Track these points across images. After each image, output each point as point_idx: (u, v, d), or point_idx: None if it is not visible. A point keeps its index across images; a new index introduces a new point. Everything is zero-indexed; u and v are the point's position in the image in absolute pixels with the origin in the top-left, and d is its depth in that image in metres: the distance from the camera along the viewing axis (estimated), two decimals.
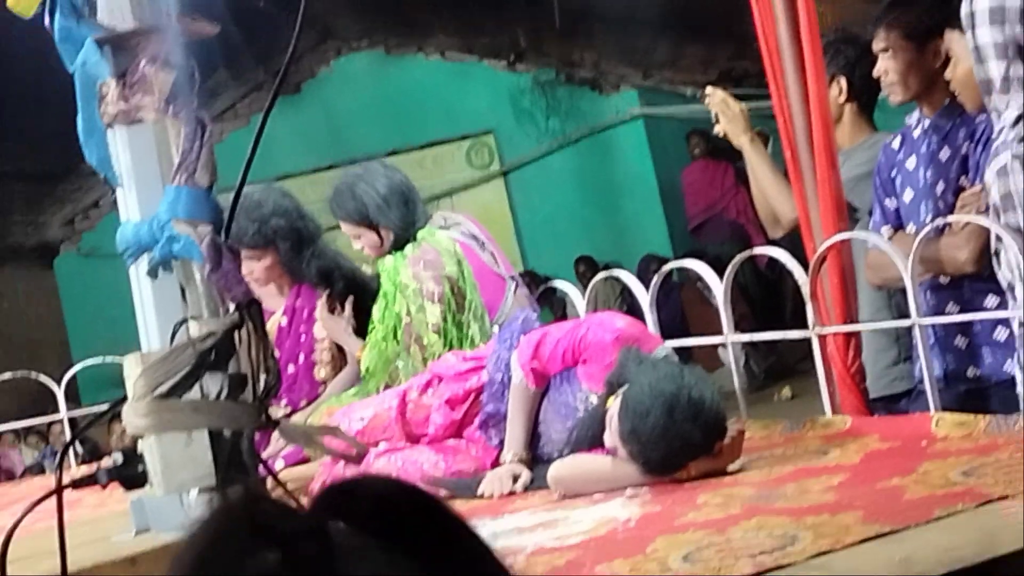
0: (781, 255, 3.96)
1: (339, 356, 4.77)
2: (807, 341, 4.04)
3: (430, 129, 13.43)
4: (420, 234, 4.50)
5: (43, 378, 6.19)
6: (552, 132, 13.76)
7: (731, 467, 3.45)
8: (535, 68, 13.91)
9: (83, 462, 6.80)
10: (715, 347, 8.05)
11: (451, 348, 4.39)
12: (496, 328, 4.38)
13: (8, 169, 15.81)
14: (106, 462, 1.88)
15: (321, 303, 4.73)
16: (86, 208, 14.68)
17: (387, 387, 4.36)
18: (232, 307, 1.77)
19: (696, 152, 13.12)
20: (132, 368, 1.81)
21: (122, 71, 1.79)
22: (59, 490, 1.73)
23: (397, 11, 13.37)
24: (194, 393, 1.77)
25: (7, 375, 6.22)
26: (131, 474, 1.83)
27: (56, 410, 6.13)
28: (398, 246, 4.50)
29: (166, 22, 1.81)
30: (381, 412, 4.08)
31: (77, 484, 1.81)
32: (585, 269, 12.08)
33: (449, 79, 13.97)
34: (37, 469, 10.11)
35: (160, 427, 1.76)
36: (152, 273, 1.84)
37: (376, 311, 4.46)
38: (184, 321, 1.82)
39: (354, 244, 4.69)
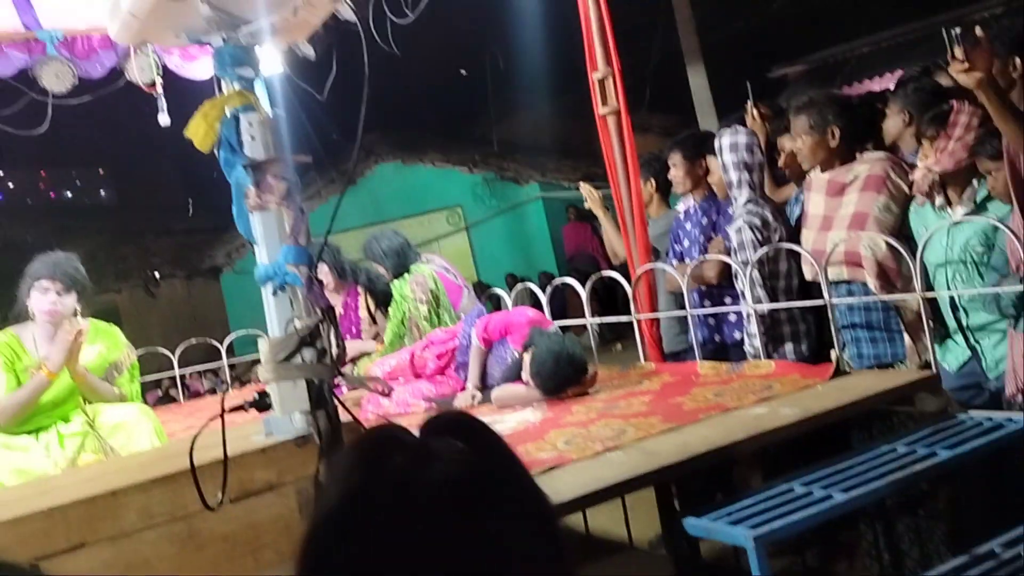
0: (617, 275, 3.95)
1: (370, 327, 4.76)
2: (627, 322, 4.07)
3: (427, 203, 13.38)
4: (413, 267, 4.47)
5: (214, 341, 6.09)
6: (493, 206, 13.74)
7: (591, 391, 3.44)
8: (484, 171, 13.88)
9: (239, 388, 6.65)
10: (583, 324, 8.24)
11: (432, 327, 4.36)
12: (461, 316, 4.35)
13: (197, 226, 15.65)
14: (248, 397, 1.83)
15: (361, 302, 4.75)
16: (237, 247, 14.50)
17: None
18: (318, 311, 1.74)
19: (571, 217, 13.12)
20: (263, 345, 1.78)
21: (258, 182, 1.76)
22: (222, 413, 1.69)
23: (408, 139, 13.29)
24: (297, 359, 1.74)
25: (194, 340, 6.11)
26: (263, 404, 1.79)
27: (220, 359, 6.03)
28: (399, 274, 4.49)
29: (282, 155, 1.77)
30: (400, 362, 4.04)
31: (233, 409, 1.77)
32: (511, 281, 12.04)
33: (438, 177, 13.92)
34: (211, 392, 9.91)
35: (279, 378, 1.73)
36: (275, 293, 1.79)
37: (391, 309, 4.44)
38: (291, 320, 1.78)
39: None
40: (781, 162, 3.71)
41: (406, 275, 4.45)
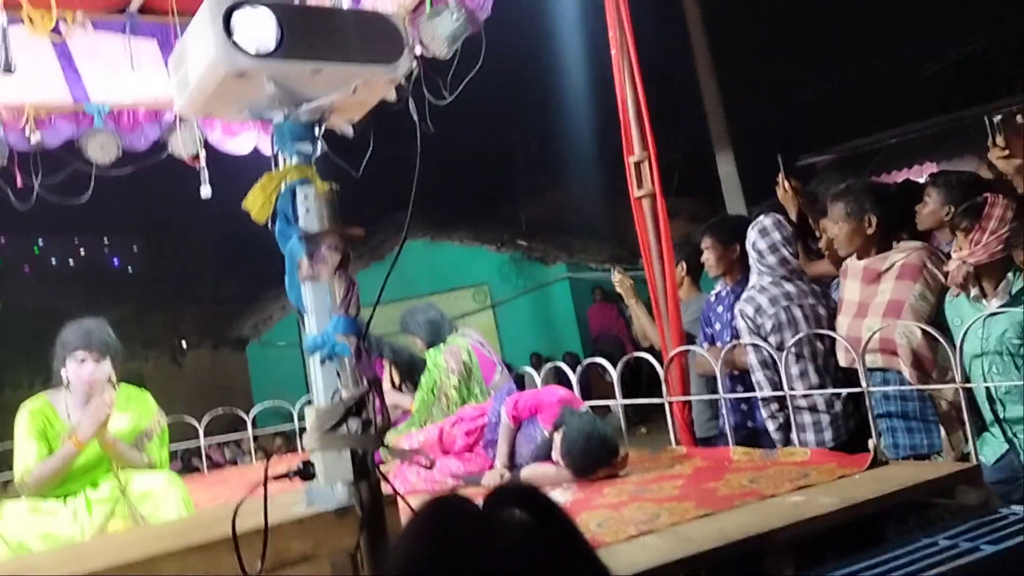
0: (649, 357, 3.95)
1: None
2: (654, 404, 4.05)
3: (454, 280, 13.48)
4: (448, 338, 4.51)
5: (240, 412, 6.10)
6: (519, 286, 13.82)
7: (621, 473, 3.41)
8: (511, 251, 14.01)
9: (261, 459, 6.63)
10: (605, 405, 8.15)
11: (464, 401, 4.36)
12: (492, 391, 4.36)
13: (225, 296, 15.88)
14: (292, 467, 1.84)
15: (385, 374, 4.81)
16: (264, 319, 14.64)
17: (426, 424, 4.32)
18: (365, 382, 1.76)
19: (597, 298, 13.17)
20: (309, 414, 1.79)
21: (311, 253, 1.80)
22: (266, 480, 1.70)
23: (438, 218, 13.50)
24: (343, 429, 1.75)
25: (220, 410, 6.12)
26: (307, 472, 1.80)
27: (244, 430, 6.05)
28: (434, 344, 4.52)
29: (334, 227, 1.82)
30: (428, 437, 4.04)
31: (278, 477, 1.78)
32: (536, 360, 12.03)
33: (465, 255, 14.07)
34: (232, 463, 9.86)
35: (324, 447, 1.74)
36: (323, 362, 1.82)
37: (423, 378, 4.47)
38: (338, 390, 1.80)
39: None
40: (822, 243, 3.74)
41: (441, 345, 4.49)
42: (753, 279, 3.65)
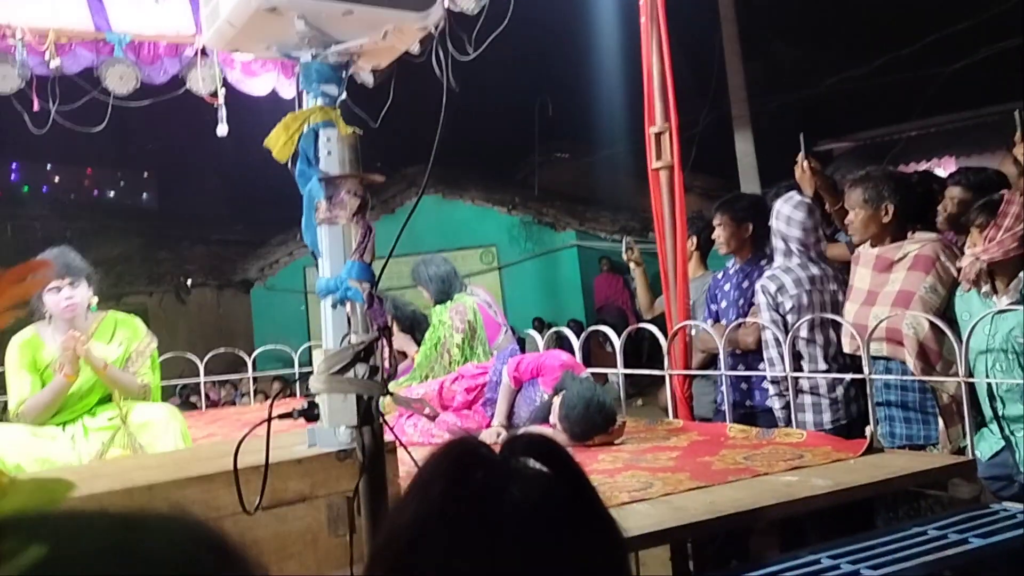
0: (654, 328, 3.95)
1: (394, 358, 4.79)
2: (653, 376, 4.06)
3: (462, 240, 13.45)
4: (456, 296, 4.50)
5: (241, 353, 6.12)
6: (528, 249, 13.81)
7: (617, 442, 3.43)
8: (522, 214, 13.97)
9: (260, 400, 6.68)
10: (603, 374, 8.20)
11: (466, 360, 4.37)
12: (494, 352, 4.37)
13: (234, 238, 15.87)
14: (297, 405, 1.85)
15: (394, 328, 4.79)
16: (271, 263, 14.66)
17: (427, 379, 4.34)
18: (375, 328, 1.77)
19: (604, 268, 13.15)
20: (318, 356, 1.80)
21: (330, 196, 1.80)
22: (270, 417, 1.71)
23: (450, 174, 13.45)
24: (350, 374, 1.76)
25: (223, 349, 6.15)
26: (311, 414, 1.81)
27: (243, 371, 6.08)
28: (441, 301, 4.51)
29: (355, 172, 1.81)
30: (428, 391, 4.05)
31: (282, 416, 1.79)
32: (539, 325, 12.05)
33: (476, 215, 14.04)
34: (230, 403, 9.94)
35: (331, 390, 1.75)
36: (334, 306, 1.82)
37: (428, 334, 4.47)
38: (348, 334, 1.81)
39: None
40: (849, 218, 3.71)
41: (448, 302, 4.48)
42: (779, 259, 3.62)
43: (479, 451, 0.82)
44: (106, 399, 3.52)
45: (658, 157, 3.97)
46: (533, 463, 0.81)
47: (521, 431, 3.56)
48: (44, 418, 3.37)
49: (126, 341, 3.58)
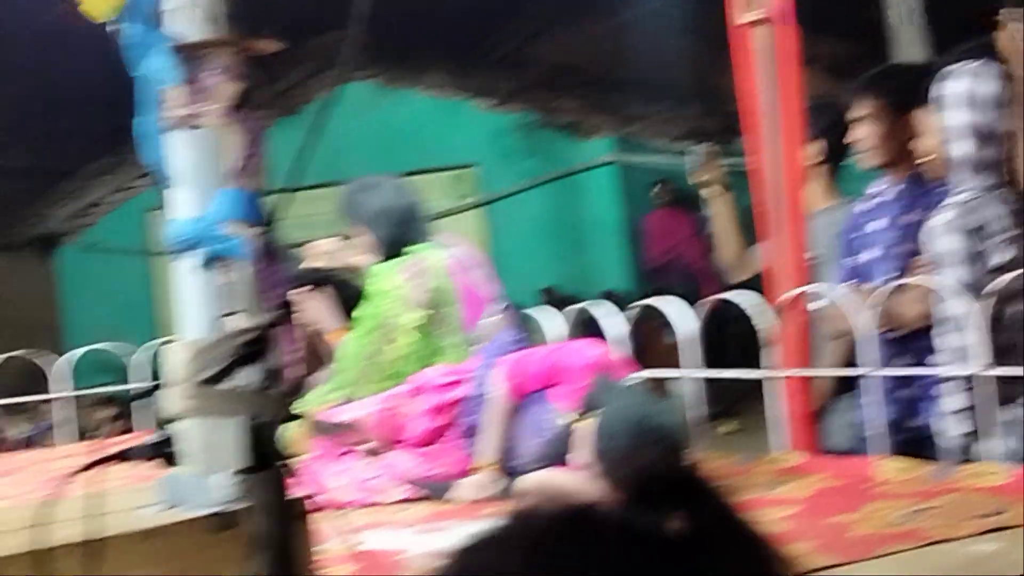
0: (749, 301, 3.96)
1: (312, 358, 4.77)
2: (746, 381, 4.09)
3: (418, 158, 13.42)
4: (412, 248, 4.52)
5: (41, 359, 6.14)
6: (530, 171, 13.80)
7: None
8: (518, 110, 13.95)
9: (78, 440, 6.73)
10: (663, 379, 8.21)
11: (427, 357, 4.39)
12: (475, 343, 4.39)
13: (15, 165, 15.81)
14: (140, 441, 1.87)
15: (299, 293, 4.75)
16: (88, 206, 14.64)
17: (358, 389, 4.37)
18: (270, 305, 1.78)
19: (661, 199, 13.16)
20: (176, 353, 1.81)
21: (190, 78, 1.80)
22: (96, 463, 1.72)
23: (397, 47, 13.40)
24: (231, 382, 1.78)
25: (10, 354, 6.17)
26: (166, 454, 1.83)
27: (46, 390, 6.10)
28: (390, 255, 4.52)
29: (231, 34, 1.82)
30: (363, 417, 4.07)
31: (114, 458, 1.80)
32: (551, 298, 12.07)
33: (439, 114, 14.00)
34: (26, 442, 9.98)
35: (199, 411, 1.76)
36: (203, 266, 1.84)
37: (359, 311, 4.48)
38: (225, 315, 1.82)
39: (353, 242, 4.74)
40: None
41: (399, 259, 4.48)
42: (964, 176, 3.58)
43: (607, 522, 0.85)
44: None
45: (749, 5, 3.97)
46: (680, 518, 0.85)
47: (540, 478, 3.58)
48: None
49: None
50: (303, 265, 4.74)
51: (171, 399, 1.78)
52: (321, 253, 4.74)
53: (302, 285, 4.73)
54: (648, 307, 4.52)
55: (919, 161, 3.95)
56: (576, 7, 15.46)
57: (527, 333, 4.71)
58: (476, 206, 13.95)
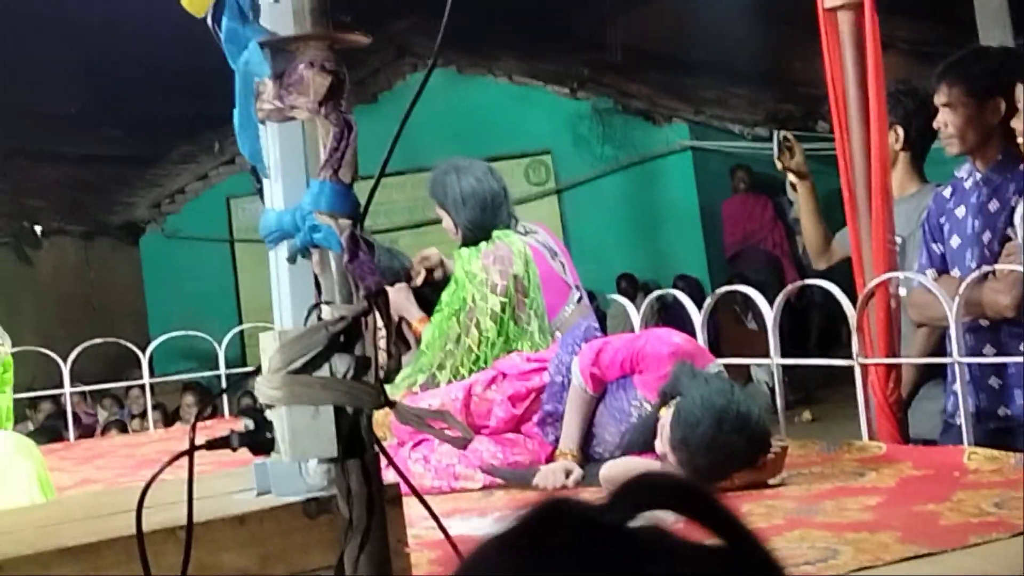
0: (833, 288, 3.94)
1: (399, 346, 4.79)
2: (826, 369, 4.06)
3: (493, 145, 13.42)
4: (496, 233, 4.52)
5: (129, 346, 6.20)
6: (605, 157, 13.77)
7: (772, 481, 3.44)
8: (594, 97, 13.92)
9: (162, 426, 6.82)
10: (745, 366, 8.24)
11: (505, 339, 4.39)
12: (557, 332, 4.40)
13: (104, 152, 15.98)
14: (234, 427, 1.88)
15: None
16: (172, 193, 14.81)
17: (438, 376, 4.38)
18: (362, 295, 1.79)
19: (739, 186, 13.10)
20: (268, 343, 1.82)
21: (280, 72, 1.81)
22: (191, 450, 1.74)
23: (470, 34, 13.41)
24: (323, 371, 1.79)
25: (98, 340, 6.23)
26: (260, 441, 1.85)
27: (132, 376, 6.16)
28: (474, 241, 4.53)
29: (324, 30, 1.82)
30: (447, 402, 4.09)
31: (211, 444, 1.82)
32: (626, 286, 12.07)
33: (513, 101, 14.02)
34: (118, 427, 10.10)
35: (291, 399, 1.77)
36: (291, 259, 1.85)
37: (445, 294, 4.49)
38: (317, 305, 1.83)
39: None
40: None
41: (483, 244, 4.49)
42: None
43: (575, 514, 0.83)
44: None
45: None
46: (667, 527, 0.83)
47: (624, 465, 3.58)
48: None
49: None
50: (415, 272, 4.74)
51: (263, 387, 1.80)
52: (435, 263, 4.73)
53: (392, 276, 4.76)
54: (728, 293, 4.49)
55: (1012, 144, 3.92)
56: None
57: (604, 320, 4.70)
58: (551, 193, 13.95)
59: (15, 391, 4.87)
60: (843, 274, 4.33)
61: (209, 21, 1.89)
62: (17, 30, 19.22)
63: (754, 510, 3.12)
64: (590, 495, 3.53)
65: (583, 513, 0.84)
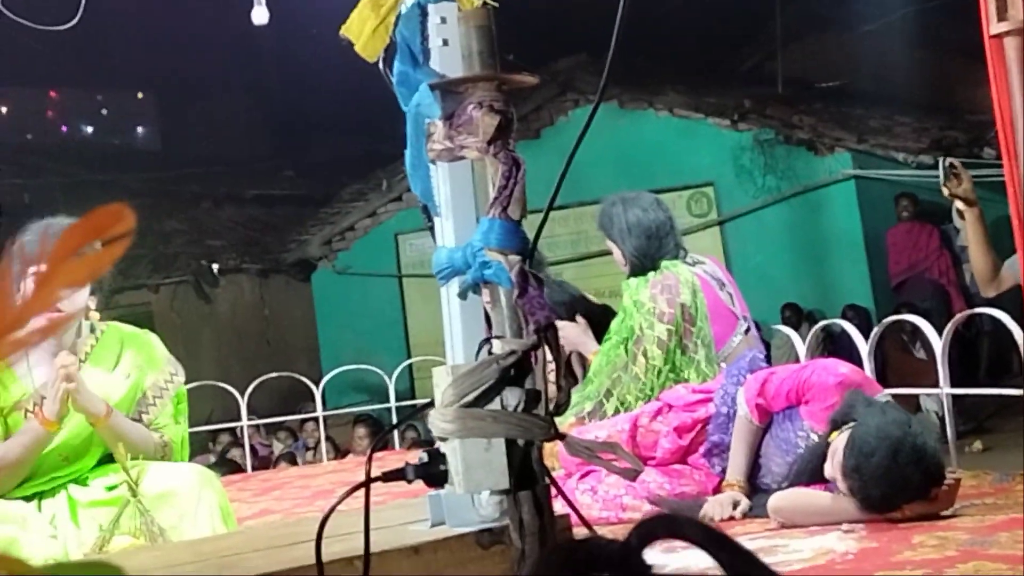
0: (1003, 316, 3.85)
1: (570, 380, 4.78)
2: (997, 398, 3.96)
3: (655, 177, 13.36)
4: (664, 263, 4.53)
5: (303, 379, 6.32)
6: (768, 188, 13.62)
7: (944, 512, 3.37)
8: (756, 128, 13.79)
9: (333, 458, 6.92)
10: (914, 396, 8.08)
11: (672, 367, 4.39)
12: (722, 361, 4.37)
13: (280, 193, 16.38)
14: (409, 462, 1.91)
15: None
16: (343, 231, 15.03)
17: (605, 405, 4.38)
18: (532, 329, 1.80)
19: (904, 214, 12.84)
20: (441, 378, 1.84)
21: (450, 113, 1.83)
22: (368, 482, 1.77)
23: (631, 69, 13.42)
24: (495, 404, 1.80)
25: (272, 375, 6.36)
26: (434, 472, 1.87)
27: (305, 409, 6.28)
28: (642, 271, 4.54)
29: (492, 72, 1.84)
30: (613, 434, 4.10)
31: (387, 476, 1.85)
32: (790, 315, 11.91)
33: (675, 134, 13.95)
34: (288, 459, 10.30)
35: (464, 432, 1.79)
36: (463, 295, 1.87)
37: (614, 323, 4.53)
38: (488, 339, 1.85)
39: None
40: None
41: (651, 274, 4.50)
42: None
43: (610, 557, 0.84)
44: (105, 459, 3.71)
45: (1001, 16, 3.86)
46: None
47: (793, 496, 3.54)
48: (9, 484, 3.57)
49: (136, 370, 3.74)
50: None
51: (437, 420, 1.82)
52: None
53: (563, 310, 4.79)
54: (896, 322, 4.42)
55: None
56: (814, 22, 15.21)
57: (770, 350, 4.65)
58: (713, 224, 13.84)
59: (195, 424, 4.96)
60: (1013, 302, 4.23)
61: (380, 65, 1.92)
62: (209, 89, 19.85)
63: (926, 541, 3.07)
64: (758, 526, 3.52)
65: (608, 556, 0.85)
